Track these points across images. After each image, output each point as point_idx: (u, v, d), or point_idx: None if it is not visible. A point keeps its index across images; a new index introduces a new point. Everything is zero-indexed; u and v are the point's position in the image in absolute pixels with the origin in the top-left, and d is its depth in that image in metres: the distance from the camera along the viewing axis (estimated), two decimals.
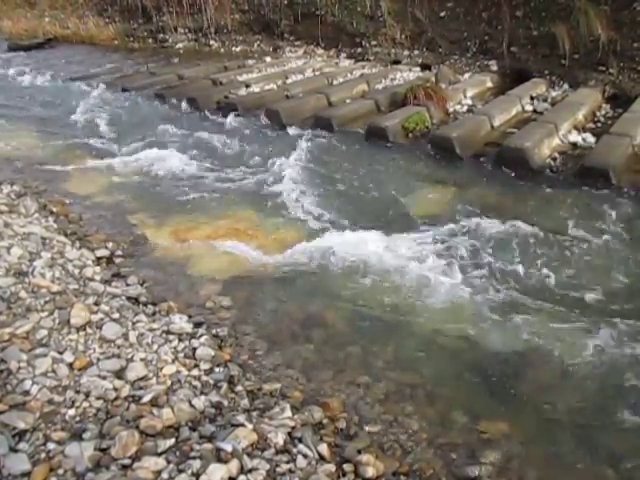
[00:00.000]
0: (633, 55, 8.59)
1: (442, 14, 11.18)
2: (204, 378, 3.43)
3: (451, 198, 6.04)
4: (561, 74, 9.20)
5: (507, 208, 5.60)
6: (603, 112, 8.03)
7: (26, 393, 3.06)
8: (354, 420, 3.24)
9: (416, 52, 11.27)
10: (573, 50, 9.03)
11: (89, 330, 3.68)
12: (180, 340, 3.76)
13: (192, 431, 2.94)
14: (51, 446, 2.76)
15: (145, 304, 4.20)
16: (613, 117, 7.68)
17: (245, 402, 3.24)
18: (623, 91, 8.34)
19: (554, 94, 8.84)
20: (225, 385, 3.37)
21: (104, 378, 3.27)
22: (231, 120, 8.80)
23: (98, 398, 3.12)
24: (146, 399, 3.13)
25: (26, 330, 3.55)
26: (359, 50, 12.07)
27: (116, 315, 3.91)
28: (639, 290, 4.29)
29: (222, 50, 14.15)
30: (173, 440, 2.84)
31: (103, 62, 13.79)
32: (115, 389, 3.20)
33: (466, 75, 10.06)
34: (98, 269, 4.62)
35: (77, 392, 3.15)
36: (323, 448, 2.94)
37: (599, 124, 7.65)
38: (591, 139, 7.03)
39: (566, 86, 9.03)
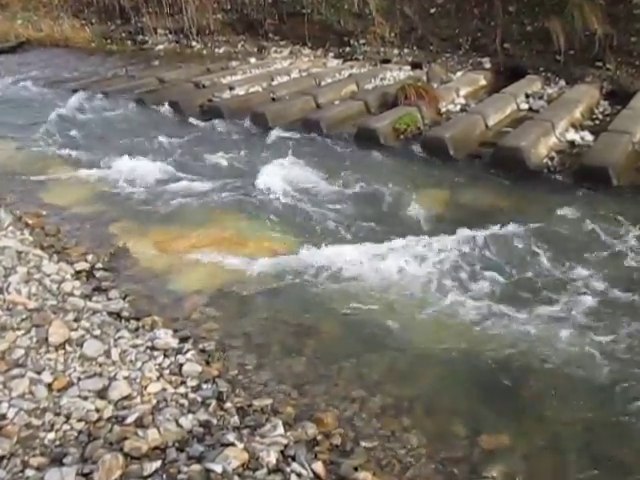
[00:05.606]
0: (630, 50, 8.54)
1: (432, 11, 11.12)
2: (191, 395, 3.36)
3: (445, 201, 5.98)
4: (557, 70, 9.14)
5: (503, 210, 5.55)
6: (601, 109, 7.96)
7: (2, 417, 3.01)
8: (350, 436, 3.17)
9: (406, 50, 11.18)
10: (568, 45, 8.96)
11: (69, 348, 3.62)
12: (165, 356, 3.70)
13: (180, 452, 2.89)
14: (30, 473, 2.68)
15: (128, 319, 4.13)
16: (611, 114, 7.62)
17: (235, 420, 3.18)
18: (621, 87, 8.29)
19: (550, 91, 8.76)
20: (214, 402, 3.31)
21: (85, 399, 3.21)
22: (215, 124, 8.64)
23: (79, 420, 3.06)
24: (130, 419, 3.07)
25: (1, 350, 3.49)
26: (347, 49, 11.97)
27: (97, 331, 3.84)
28: None
29: (204, 52, 13.93)
30: (160, 462, 2.79)
31: (80, 66, 13.53)
32: (97, 410, 3.14)
33: (458, 73, 9.96)
34: (78, 283, 4.53)
35: (57, 414, 3.09)
36: (318, 466, 2.88)
37: (597, 121, 7.59)
38: (589, 137, 6.97)
39: (562, 83, 8.97)
